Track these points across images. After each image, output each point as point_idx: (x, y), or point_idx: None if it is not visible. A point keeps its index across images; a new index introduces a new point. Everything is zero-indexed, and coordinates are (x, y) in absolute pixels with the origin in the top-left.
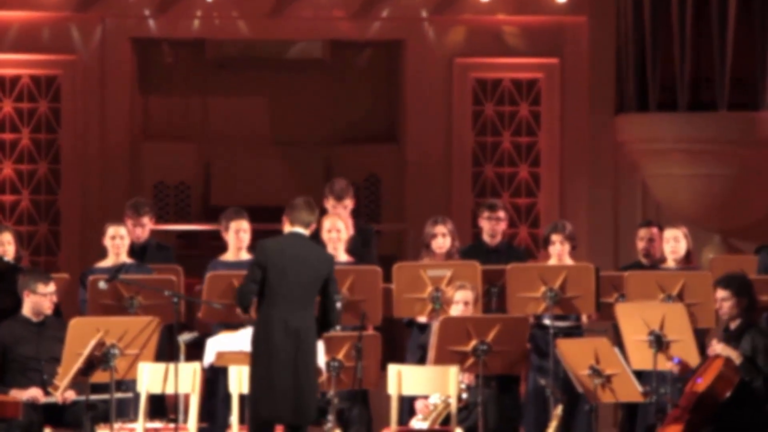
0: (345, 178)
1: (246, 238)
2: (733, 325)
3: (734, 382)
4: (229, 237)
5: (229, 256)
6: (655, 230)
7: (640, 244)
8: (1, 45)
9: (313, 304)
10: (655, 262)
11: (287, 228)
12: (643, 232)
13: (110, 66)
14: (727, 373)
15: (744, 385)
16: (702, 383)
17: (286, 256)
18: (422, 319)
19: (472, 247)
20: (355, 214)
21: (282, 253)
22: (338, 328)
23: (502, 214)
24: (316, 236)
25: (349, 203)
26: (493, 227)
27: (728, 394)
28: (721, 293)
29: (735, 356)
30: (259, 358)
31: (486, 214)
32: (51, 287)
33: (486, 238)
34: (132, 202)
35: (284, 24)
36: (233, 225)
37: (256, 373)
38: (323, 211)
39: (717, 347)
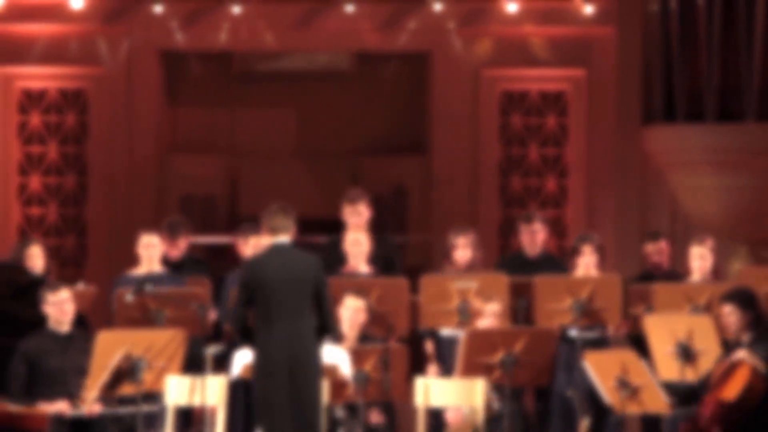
0: (370, 189)
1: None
2: (746, 339)
3: (762, 391)
4: (246, 252)
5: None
6: (663, 244)
7: (653, 258)
8: (29, 58)
9: (310, 313)
10: (676, 274)
11: (265, 240)
12: (650, 248)
13: (137, 79)
14: (755, 383)
15: None
16: (730, 393)
17: (271, 271)
18: (446, 331)
19: (512, 259)
20: (380, 225)
21: (267, 269)
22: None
23: (537, 225)
24: (337, 248)
25: (363, 210)
26: (530, 239)
27: (757, 403)
28: (726, 308)
29: (760, 364)
30: (257, 375)
31: (522, 226)
32: (62, 295)
33: (526, 249)
34: (168, 222)
35: (311, 36)
36: (252, 240)
37: (255, 389)
38: (343, 223)
39: (741, 353)
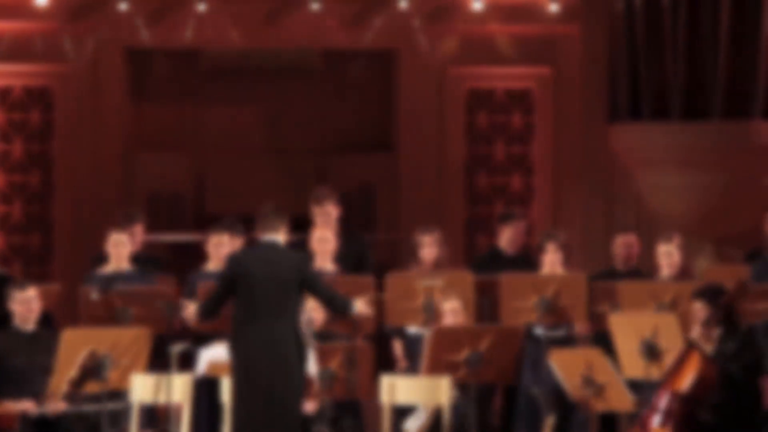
0: (337, 187)
1: (224, 251)
2: (715, 334)
3: (713, 378)
4: (210, 249)
5: (211, 267)
6: (633, 237)
7: (620, 252)
8: None
9: (292, 312)
10: (636, 270)
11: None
12: (620, 240)
13: (103, 76)
14: (706, 372)
15: (724, 380)
16: (682, 384)
17: (254, 267)
18: (413, 329)
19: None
20: (346, 223)
21: (250, 265)
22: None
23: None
24: (304, 247)
25: (331, 209)
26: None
27: (710, 391)
28: (697, 305)
29: (709, 349)
30: (236, 371)
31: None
32: (28, 293)
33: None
34: (124, 213)
35: (277, 33)
36: (214, 238)
37: (234, 385)
38: (310, 221)
39: (693, 332)
